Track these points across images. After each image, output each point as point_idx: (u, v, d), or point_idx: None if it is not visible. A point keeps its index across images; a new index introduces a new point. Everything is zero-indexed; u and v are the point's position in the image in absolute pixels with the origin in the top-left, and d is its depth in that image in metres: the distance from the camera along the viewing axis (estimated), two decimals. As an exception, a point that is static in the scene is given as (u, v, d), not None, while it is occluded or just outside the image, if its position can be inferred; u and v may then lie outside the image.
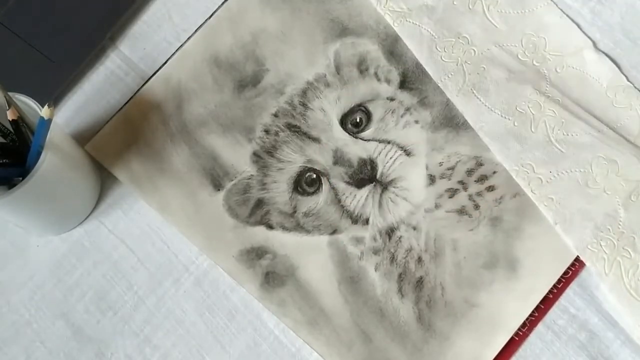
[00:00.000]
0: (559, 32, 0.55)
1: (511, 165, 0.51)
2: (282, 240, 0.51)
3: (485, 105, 0.53)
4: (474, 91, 0.54)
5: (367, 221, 0.51)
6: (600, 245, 0.49)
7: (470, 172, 0.52)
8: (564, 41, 0.55)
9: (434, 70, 0.55)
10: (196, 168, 0.54)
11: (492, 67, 0.54)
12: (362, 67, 0.55)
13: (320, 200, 0.52)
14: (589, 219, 0.50)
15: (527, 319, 0.49)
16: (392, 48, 0.56)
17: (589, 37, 0.55)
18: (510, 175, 0.51)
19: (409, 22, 0.56)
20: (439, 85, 0.54)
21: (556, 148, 0.52)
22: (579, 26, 0.55)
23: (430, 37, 0.55)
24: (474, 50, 0.55)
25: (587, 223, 0.49)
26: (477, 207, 0.51)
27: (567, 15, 0.55)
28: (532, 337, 0.49)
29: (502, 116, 0.53)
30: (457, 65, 0.55)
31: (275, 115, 0.54)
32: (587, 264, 0.49)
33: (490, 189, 0.51)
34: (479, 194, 0.51)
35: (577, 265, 0.50)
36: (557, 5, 0.56)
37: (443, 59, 0.55)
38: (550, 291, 0.49)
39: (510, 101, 0.53)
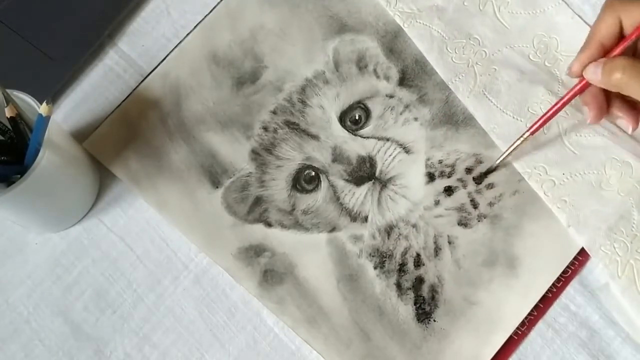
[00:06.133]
0: (570, 32, 0.54)
1: (524, 167, 0.51)
2: (280, 238, 0.51)
3: (497, 107, 0.53)
4: (485, 92, 0.53)
5: (366, 219, 0.51)
6: (614, 247, 0.49)
7: (469, 169, 0.52)
8: (575, 41, 0.53)
9: (445, 71, 0.54)
10: (194, 165, 0.54)
11: (503, 69, 0.54)
12: (361, 64, 0.55)
13: (319, 198, 0.52)
14: (602, 221, 0.49)
15: (526, 317, 0.49)
16: (392, 45, 0.55)
17: None
18: (509, 173, 0.51)
19: (419, 23, 0.55)
20: (450, 86, 0.54)
21: (569, 150, 0.51)
22: (589, 26, 0.54)
23: (440, 39, 0.55)
24: (485, 52, 0.54)
25: (601, 225, 0.49)
26: (476, 205, 0.51)
27: (578, 15, 0.55)
28: (533, 335, 0.49)
29: (514, 118, 0.52)
30: (467, 66, 0.54)
31: (274, 113, 0.54)
32: (600, 266, 0.49)
33: (490, 186, 0.51)
34: (478, 191, 0.51)
35: (577, 264, 0.49)
36: (568, 5, 0.55)
37: (454, 60, 0.54)
38: (549, 290, 0.49)
39: (522, 102, 0.53)
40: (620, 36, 0.46)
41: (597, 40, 0.46)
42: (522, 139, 0.49)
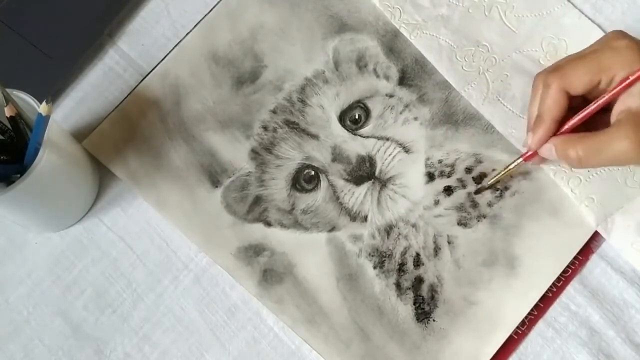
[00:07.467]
0: (578, 34, 0.54)
1: (548, 164, 0.51)
2: (280, 238, 0.51)
3: (513, 112, 0.52)
4: (500, 99, 0.53)
5: (365, 218, 0.51)
6: None
7: (469, 169, 0.52)
8: (585, 42, 0.53)
9: (456, 80, 0.54)
10: (194, 165, 0.53)
11: (515, 74, 0.53)
12: (361, 63, 0.55)
13: (318, 197, 0.52)
14: (630, 218, 0.49)
15: (526, 317, 0.48)
16: (391, 44, 0.55)
17: None
18: (509, 172, 0.51)
19: (426, 33, 0.55)
20: (463, 95, 0.53)
21: None
22: (599, 27, 0.54)
23: (449, 48, 0.55)
24: (495, 58, 0.54)
25: (629, 222, 0.49)
26: (475, 204, 0.51)
27: (586, 15, 0.54)
28: (533, 334, 0.49)
29: None
30: (479, 74, 0.54)
31: (274, 112, 0.54)
32: (634, 264, 0.49)
33: (489, 186, 0.51)
34: (478, 191, 0.51)
35: (577, 264, 0.49)
36: (574, 5, 0.55)
37: (464, 68, 0.54)
38: (549, 289, 0.49)
39: None
40: (568, 105, 0.47)
41: (550, 117, 0.47)
42: (515, 164, 0.50)
